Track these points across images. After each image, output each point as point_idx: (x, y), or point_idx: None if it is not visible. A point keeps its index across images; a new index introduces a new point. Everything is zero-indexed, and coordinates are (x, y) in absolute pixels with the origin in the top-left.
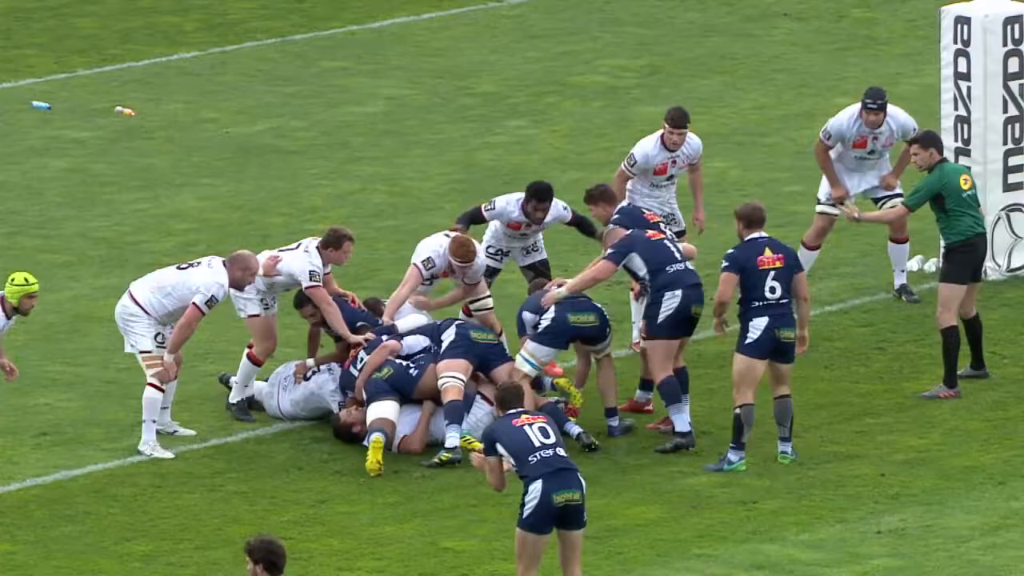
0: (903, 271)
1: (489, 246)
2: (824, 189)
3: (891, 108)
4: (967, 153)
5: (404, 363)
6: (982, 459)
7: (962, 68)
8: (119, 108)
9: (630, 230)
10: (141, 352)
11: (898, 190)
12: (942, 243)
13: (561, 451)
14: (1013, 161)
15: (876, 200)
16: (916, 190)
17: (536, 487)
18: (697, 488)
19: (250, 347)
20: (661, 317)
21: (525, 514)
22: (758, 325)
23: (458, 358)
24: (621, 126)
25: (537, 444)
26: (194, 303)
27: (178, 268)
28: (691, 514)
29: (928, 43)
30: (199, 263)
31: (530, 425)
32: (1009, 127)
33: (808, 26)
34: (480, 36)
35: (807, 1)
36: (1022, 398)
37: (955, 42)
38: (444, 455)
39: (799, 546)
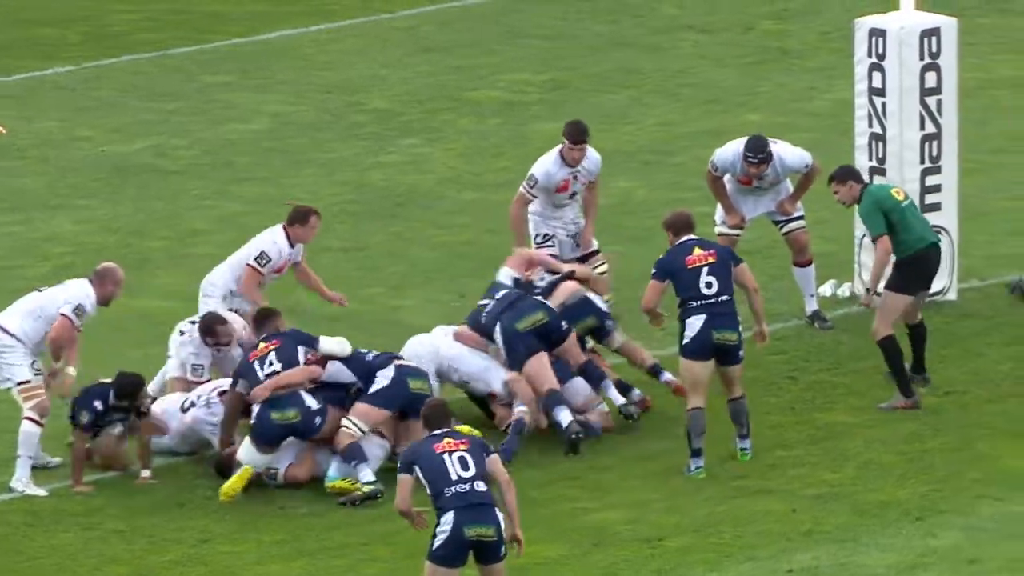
0: (813, 295)
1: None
2: (720, 213)
3: (779, 148)
4: (882, 172)
5: (313, 409)
6: (898, 494)
7: (877, 83)
8: None
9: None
10: (19, 384)
11: (797, 213)
12: (893, 258)
13: (480, 485)
14: (931, 181)
15: (776, 223)
16: (867, 220)
17: (448, 519)
18: (601, 524)
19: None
20: None
21: (435, 545)
22: (694, 324)
23: (381, 408)
24: (519, 144)
25: (454, 477)
26: (62, 313)
27: (39, 291)
28: (594, 552)
29: (842, 56)
30: (61, 283)
31: (451, 453)
32: (926, 145)
33: (717, 39)
34: (371, 49)
35: (716, 13)
36: (939, 430)
37: (870, 55)
38: (365, 488)
39: None
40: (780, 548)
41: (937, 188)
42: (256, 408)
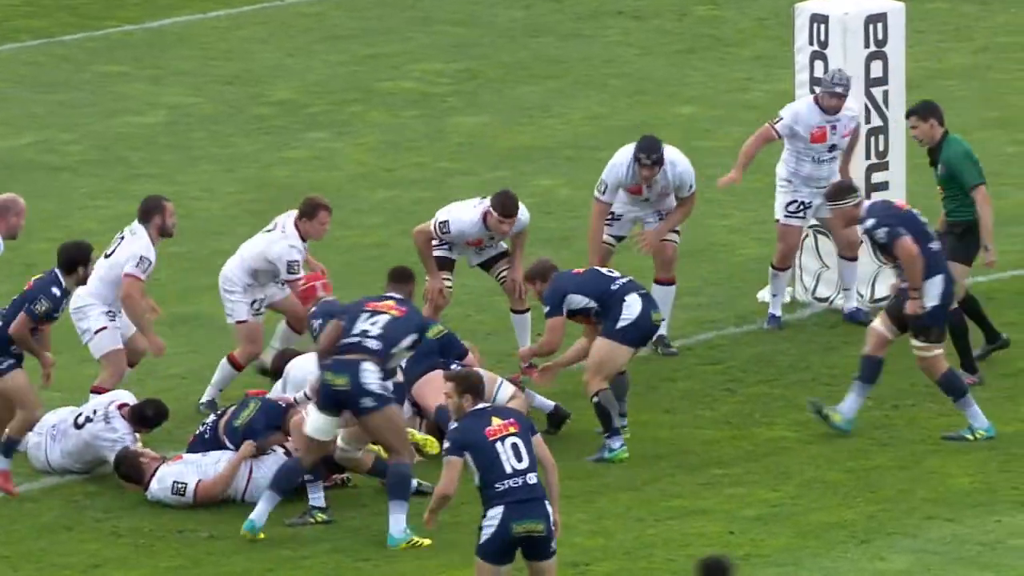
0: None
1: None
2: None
3: (671, 154)
4: None
5: (367, 387)
6: (843, 515)
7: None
8: None
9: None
10: None
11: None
12: (946, 221)
13: (532, 478)
14: (877, 177)
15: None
16: (959, 168)
17: (496, 513)
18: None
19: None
20: None
21: (482, 540)
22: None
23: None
24: (435, 138)
25: (509, 471)
26: None
27: None
28: None
29: (781, 44)
30: None
31: (503, 439)
32: (872, 139)
33: (646, 25)
34: (275, 37)
35: None
36: (887, 445)
37: (811, 43)
38: (319, 516)
39: None
40: None
41: (884, 185)
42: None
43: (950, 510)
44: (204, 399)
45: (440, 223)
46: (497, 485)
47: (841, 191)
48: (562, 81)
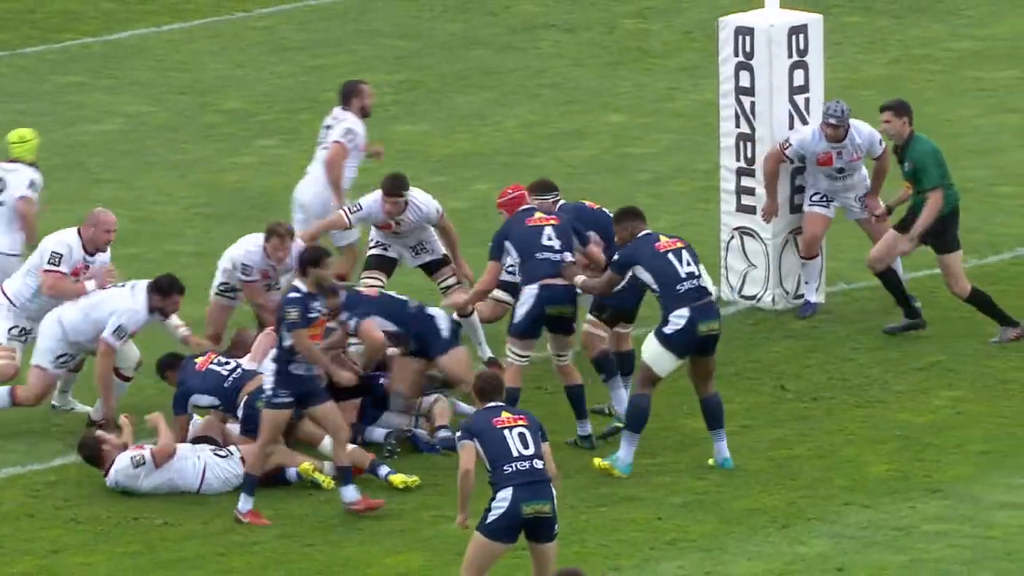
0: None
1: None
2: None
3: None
4: (751, 173)
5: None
6: (765, 501)
7: (744, 82)
8: None
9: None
10: None
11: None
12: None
13: (538, 463)
14: (798, 181)
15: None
16: (923, 166)
17: (506, 495)
18: (463, 534)
19: None
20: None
21: (489, 519)
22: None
23: None
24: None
25: (515, 453)
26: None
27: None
28: (455, 562)
29: (706, 56)
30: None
31: (511, 428)
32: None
33: (577, 38)
34: (226, 49)
35: (577, 11)
36: (806, 435)
37: (736, 55)
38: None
39: None
40: (644, 557)
41: (800, 189)
42: None
43: (866, 497)
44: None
45: (351, 204)
46: (505, 468)
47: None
48: (498, 91)
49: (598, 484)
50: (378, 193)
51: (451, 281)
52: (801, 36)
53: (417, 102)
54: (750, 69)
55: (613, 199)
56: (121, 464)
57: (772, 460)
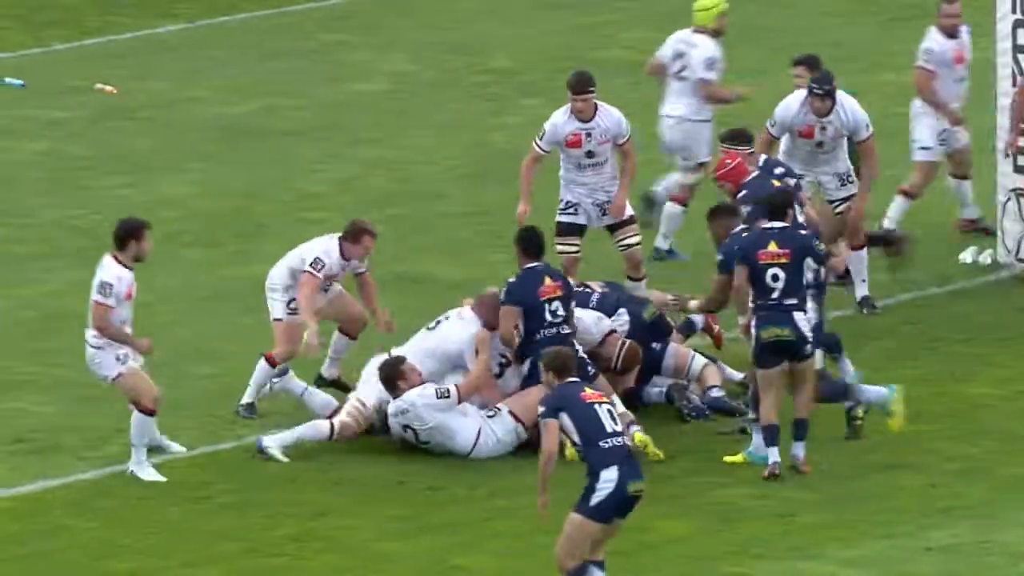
0: (864, 281)
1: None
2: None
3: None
4: None
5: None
6: None
7: (1022, 40)
8: (99, 85)
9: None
10: None
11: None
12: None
13: (628, 440)
14: None
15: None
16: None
17: (611, 475)
18: (730, 500)
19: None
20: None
21: (595, 501)
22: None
23: None
24: (651, 107)
25: (609, 430)
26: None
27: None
28: (724, 529)
29: (983, 13)
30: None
31: (599, 404)
32: None
33: None
34: (493, 8)
35: None
36: None
37: (1014, 11)
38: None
39: (841, 564)
40: (917, 525)
41: None
42: None
43: None
44: (243, 401)
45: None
46: (602, 443)
47: None
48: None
49: (867, 451)
50: (563, 107)
51: (633, 240)
52: None
53: None
54: None
55: (885, 162)
56: (426, 391)
57: None
